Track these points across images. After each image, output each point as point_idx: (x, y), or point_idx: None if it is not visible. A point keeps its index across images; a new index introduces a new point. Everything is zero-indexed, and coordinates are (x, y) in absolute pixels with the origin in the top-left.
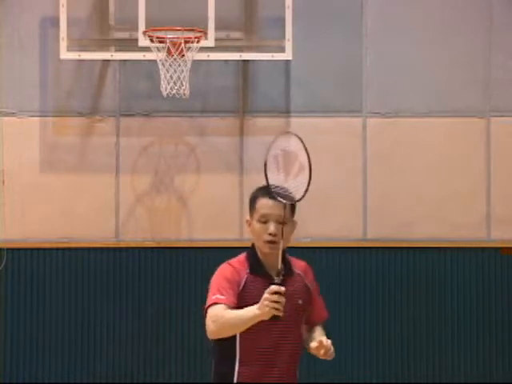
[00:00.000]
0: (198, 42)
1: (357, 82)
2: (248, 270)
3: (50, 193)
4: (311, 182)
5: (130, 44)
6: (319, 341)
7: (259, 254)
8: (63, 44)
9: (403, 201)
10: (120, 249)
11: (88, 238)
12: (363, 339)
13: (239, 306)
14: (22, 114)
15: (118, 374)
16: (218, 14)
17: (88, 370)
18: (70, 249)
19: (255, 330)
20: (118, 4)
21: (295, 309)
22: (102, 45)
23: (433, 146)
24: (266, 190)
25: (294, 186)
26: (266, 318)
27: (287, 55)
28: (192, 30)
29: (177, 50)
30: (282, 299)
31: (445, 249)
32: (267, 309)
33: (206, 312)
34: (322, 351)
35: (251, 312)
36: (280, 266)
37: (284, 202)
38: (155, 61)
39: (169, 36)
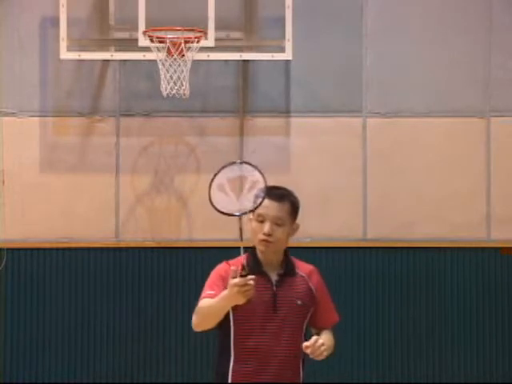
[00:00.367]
0: (198, 42)
1: (357, 82)
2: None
3: (50, 193)
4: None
5: (130, 44)
6: (311, 340)
7: (258, 253)
8: (63, 44)
9: (403, 201)
10: (120, 249)
11: (88, 238)
12: (363, 339)
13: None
14: (21, 114)
15: (118, 374)
16: (218, 14)
17: (88, 370)
18: (70, 249)
19: (249, 329)
20: (117, 4)
21: (293, 309)
22: (102, 45)
23: (433, 146)
24: (266, 192)
25: (250, 198)
26: (242, 301)
27: (287, 55)
28: (192, 30)
29: (177, 50)
30: (251, 286)
31: (445, 249)
32: (241, 294)
33: None
34: (309, 350)
35: (223, 298)
36: (245, 262)
37: (237, 214)
38: (155, 61)
39: (169, 36)
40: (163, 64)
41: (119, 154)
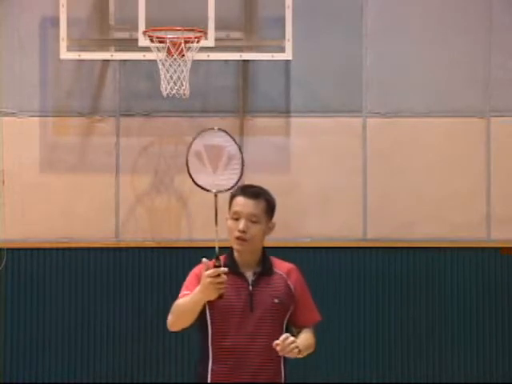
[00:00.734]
0: (198, 41)
1: (357, 82)
2: (226, 270)
3: (50, 193)
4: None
5: (130, 44)
6: (281, 337)
7: (235, 253)
8: (63, 44)
9: (403, 201)
10: (120, 249)
11: (88, 238)
12: (363, 339)
13: (210, 303)
14: (22, 114)
15: (118, 374)
16: (218, 14)
17: (88, 370)
18: (70, 249)
19: (226, 329)
20: (117, 4)
21: (270, 308)
22: (102, 45)
23: (433, 146)
24: (242, 189)
25: (225, 176)
26: (214, 297)
27: (287, 55)
28: (192, 30)
29: (177, 50)
30: (225, 278)
31: (445, 249)
32: (211, 286)
33: None
34: (279, 348)
35: (195, 296)
36: (217, 249)
37: (213, 191)
38: (155, 61)
39: (169, 36)
40: (163, 64)
41: (119, 154)
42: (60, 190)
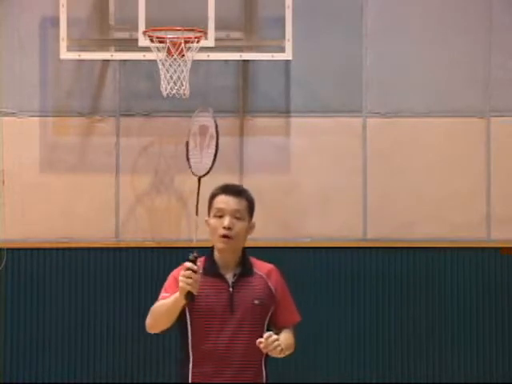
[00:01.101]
0: (198, 41)
1: (357, 82)
2: (201, 271)
3: (50, 193)
4: (216, 152)
5: (130, 44)
6: (265, 335)
7: (215, 254)
8: (63, 44)
9: (403, 201)
10: (120, 249)
11: (88, 238)
12: (363, 339)
13: (190, 305)
14: (22, 114)
15: (118, 374)
16: (218, 14)
17: (88, 370)
18: (70, 249)
19: (206, 331)
20: (117, 4)
21: (250, 309)
22: (102, 45)
23: (433, 146)
24: (223, 188)
25: (207, 157)
26: (183, 297)
27: (287, 55)
28: (192, 30)
29: (177, 50)
30: (195, 276)
31: (445, 249)
32: (180, 284)
33: None
34: (262, 345)
35: (172, 297)
36: (195, 240)
37: (196, 174)
38: (155, 61)
39: (169, 36)
40: (163, 64)
41: (119, 154)
42: (60, 190)
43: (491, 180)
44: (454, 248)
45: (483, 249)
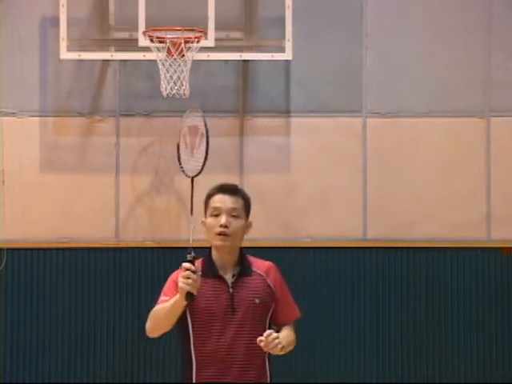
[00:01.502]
0: (198, 42)
1: (357, 82)
2: (199, 273)
3: (50, 193)
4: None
5: (130, 44)
6: (265, 333)
7: (213, 255)
8: (63, 44)
9: (403, 201)
10: (120, 249)
11: (88, 238)
12: (363, 339)
13: (190, 307)
14: (22, 114)
15: (118, 374)
16: (218, 13)
17: (88, 370)
18: (70, 249)
19: (207, 333)
20: (117, 4)
21: (251, 308)
22: (102, 45)
23: (433, 146)
24: (218, 188)
25: (196, 160)
26: (183, 296)
27: (287, 55)
28: (192, 30)
29: (177, 50)
30: (193, 276)
31: (445, 249)
32: (179, 285)
33: None
34: (262, 343)
35: (172, 300)
36: (191, 240)
37: (189, 176)
38: (155, 61)
39: (169, 36)
40: (163, 64)
41: (119, 154)
42: (60, 190)
43: (491, 180)
44: (454, 248)
45: (483, 249)
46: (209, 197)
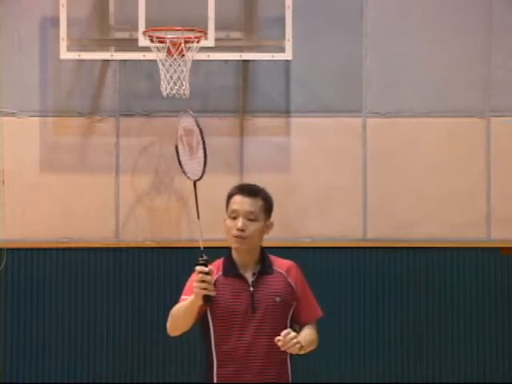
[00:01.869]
0: (198, 42)
1: (357, 82)
2: (221, 272)
3: (50, 193)
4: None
5: (130, 44)
6: (283, 333)
7: (233, 254)
8: (63, 44)
9: (403, 201)
10: (120, 249)
11: (88, 238)
12: (363, 339)
13: (211, 306)
14: (21, 114)
15: (118, 374)
16: (218, 13)
17: (88, 370)
18: (70, 249)
19: (228, 331)
20: (117, 4)
21: (271, 307)
22: (102, 45)
23: (433, 146)
24: (238, 188)
25: (196, 164)
26: (199, 300)
27: (287, 55)
28: (192, 30)
29: (177, 50)
30: (208, 278)
31: (445, 249)
32: (195, 290)
33: None
34: (280, 343)
35: (188, 300)
36: (201, 247)
37: (191, 179)
38: (155, 61)
39: (169, 36)
40: (163, 64)
41: (119, 154)
42: (60, 190)
43: (491, 180)
44: (454, 248)
45: (483, 249)
46: (229, 197)
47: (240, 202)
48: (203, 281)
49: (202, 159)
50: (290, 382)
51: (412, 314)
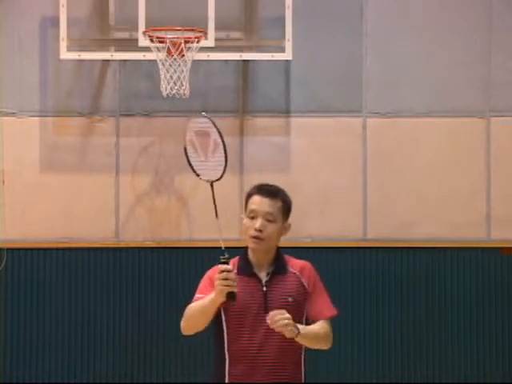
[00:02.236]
0: (198, 42)
1: (357, 82)
2: (235, 271)
3: (50, 193)
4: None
5: (130, 44)
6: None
7: (249, 253)
8: (63, 44)
9: (403, 201)
10: (120, 249)
11: (88, 238)
12: (363, 339)
13: (225, 305)
14: (21, 114)
15: (118, 374)
16: (218, 14)
17: (88, 370)
18: (70, 249)
19: (240, 330)
20: (117, 4)
21: (284, 307)
22: (102, 45)
23: (433, 146)
24: (258, 188)
25: (213, 165)
26: (221, 297)
27: (287, 55)
28: (192, 30)
29: (177, 50)
30: (231, 275)
31: (445, 249)
32: (219, 287)
33: None
34: (269, 321)
35: (208, 298)
36: (223, 246)
37: (207, 180)
38: (155, 61)
39: (169, 36)
40: (163, 64)
41: (119, 154)
42: (60, 190)
43: (491, 180)
44: (454, 248)
45: (483, 249)
46: (248, 196)
47: (259, 203)
48: (226, 278)
49: (223, 160)
50: (303, 383)
51: (412, 314)
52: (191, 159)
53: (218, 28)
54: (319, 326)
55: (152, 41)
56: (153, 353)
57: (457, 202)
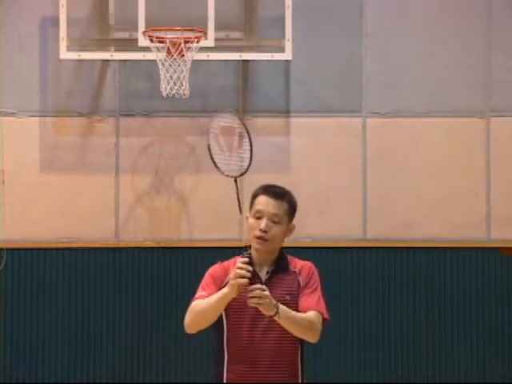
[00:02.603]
0: (197, 42)
1: (357, 82)
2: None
3: (50, 193)
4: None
5: (130, 44)
6: None
7: (253, 252)
8: (63, 44)
9: (403, 201)
10: (120, 249)
11: (88, 238)
12: (363, 339)
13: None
14: (21, 114)
15: (118, 374)
16: (218, 14)
17: (88, 370)
18: (70, 249)
19: (239, 327)
20: (117, 4)
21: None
22: (102, 45)
23: (433, 146)
24: (264, 188)
25: (239, 157)
26: (235, 292)
27: (287, 55)
28: (192, 30)
29: (177, 50)
30: (251, 269)
31: (445, 249)
32: (238, 281)
33: None
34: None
35: (219, 293)
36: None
37: (230, 176)
38: (155, 61)
39: (169, 36)
40: (163, 64)
41: (119, 154)
42: (60, 190)
43: (491, 180)
44: (454, 248)
45: (483, 249)
46: (254, 196)
47: (265, 203)
48: (248, 271)
49: (248, 156)
50: (301, 382)
51: (412, 314)
52: (215, 157)
53: (217, 28)
54: (305, 314)
55: (152, 41)
56: (153, 353)
57: (457, 202)
